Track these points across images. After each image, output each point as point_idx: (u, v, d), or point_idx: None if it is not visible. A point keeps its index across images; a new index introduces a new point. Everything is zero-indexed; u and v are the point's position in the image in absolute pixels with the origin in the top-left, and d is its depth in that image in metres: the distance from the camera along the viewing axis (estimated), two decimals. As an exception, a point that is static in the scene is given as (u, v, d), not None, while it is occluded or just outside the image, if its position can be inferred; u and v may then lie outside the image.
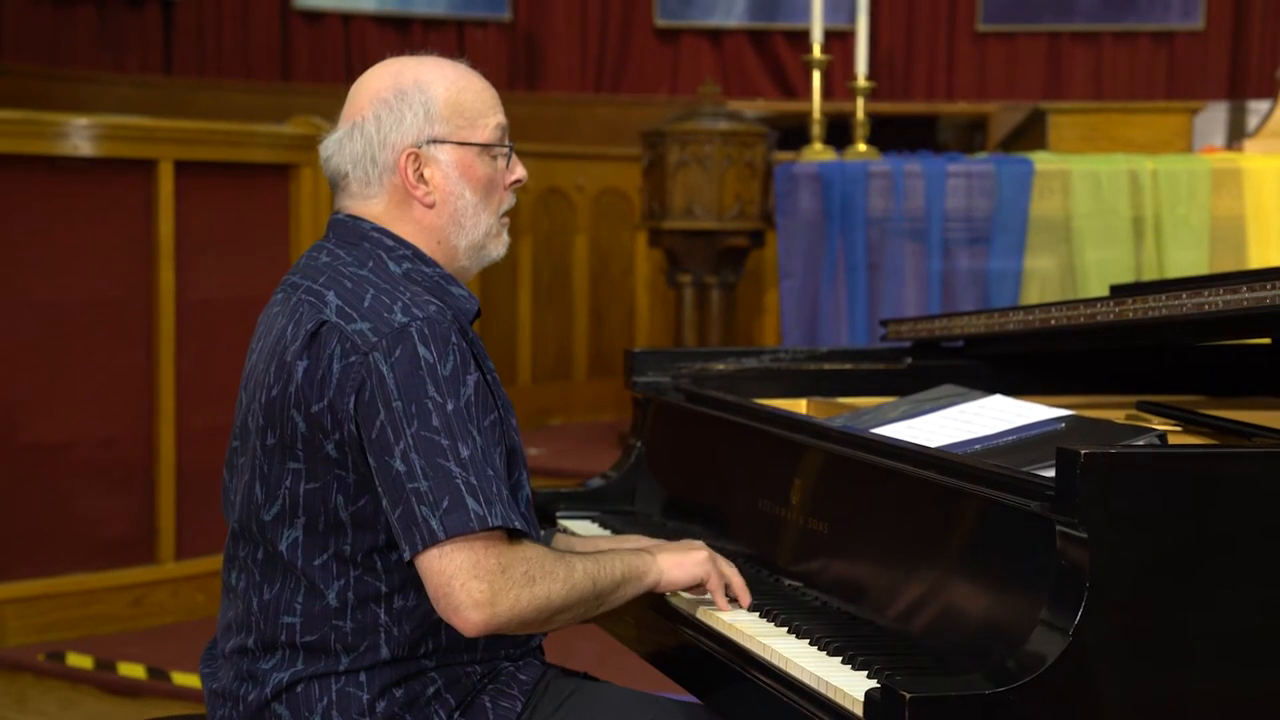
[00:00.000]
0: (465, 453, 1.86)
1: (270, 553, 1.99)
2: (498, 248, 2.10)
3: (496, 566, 1.85)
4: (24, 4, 7.56)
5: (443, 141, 2.03)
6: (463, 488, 1.84)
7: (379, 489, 1.88)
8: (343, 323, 1.92)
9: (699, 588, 2.11)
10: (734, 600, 2.11)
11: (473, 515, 1.84)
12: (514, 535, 1.89)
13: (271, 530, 1.97)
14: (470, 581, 1.84)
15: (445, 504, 1.84)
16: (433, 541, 1.84)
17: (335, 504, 1.93)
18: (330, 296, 1.96)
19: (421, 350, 1.89)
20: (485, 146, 2.06)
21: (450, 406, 1.87)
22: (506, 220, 2.11)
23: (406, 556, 1.86)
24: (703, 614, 2.10)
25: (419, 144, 2.02)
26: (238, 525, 2.04)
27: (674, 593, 2.12)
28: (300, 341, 1.94)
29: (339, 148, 2.06)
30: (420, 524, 1.84)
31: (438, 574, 1.84)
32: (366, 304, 1.94)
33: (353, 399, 1.89)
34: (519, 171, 2.11)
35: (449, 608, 1.85)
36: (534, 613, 1.88)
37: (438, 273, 2.04)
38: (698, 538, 2.33)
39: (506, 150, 2.09)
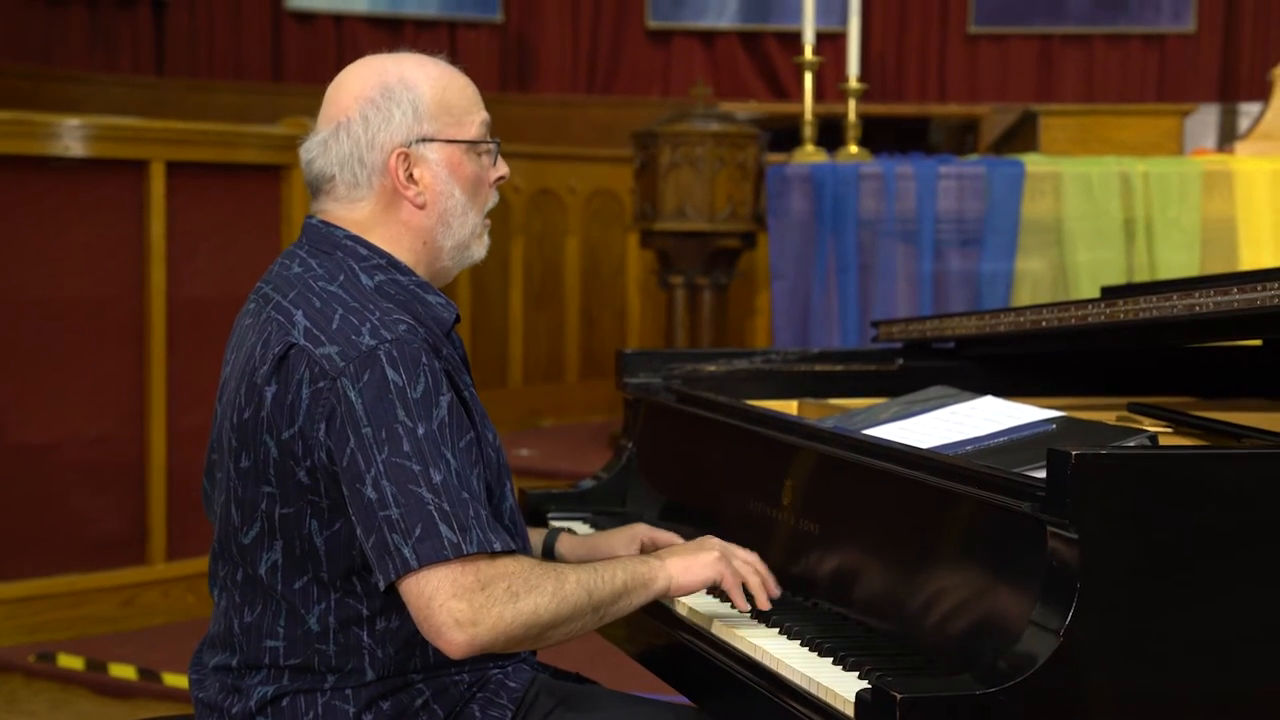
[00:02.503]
0: (438, 478, 1.81)
1: (249, 575, 1.96)
2: (480, 249, 2.07)
3: (475, 584, 1.79)
4: (15, 4, 7.55)
5: (432, 140, 2.00)
6: (435, 514, 1.80)
7: (353, 517, 1.84)
8: (310, 346, 1.88)
9: (716, 589, 2.04)
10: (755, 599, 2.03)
11: (446, 543, 1.79)
12: (496, 553, 1.83)
13: (251, 553, 1.95)
14: (449, 601, 1.78)
15: (418, 532, 1.79)
16: (405, 570, 1.79)
17: (309, 529, 1.90)
18: (299, 316, 1.92)
19: (390, 374, 1.84)
20: (473, 144, 2.03)
21: (421, 430, 1.83)
22: (488, 223, 2.08)
23: (381, 586, 1.82)
24: (693, 615, 2.10)
25: (408, 143, 1.99)
26: (218, 544, 2.01)
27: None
28: (269, 365, 1.90)
29: (323, 149, 2.00)
30: (393, 553, 1.80)
31: (416, 596, 1.80)
32: (335, 325, 1.89)
33: (323, 426, 1.85)
34: (502, 168, 2.08)
35: (431, 630, 1.80)
36: (522, 629, 1.82)
37: (413, 281, 2.00)
38: (688, 539, 2.33)
39: (492, 147, 2.06)
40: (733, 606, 2.04)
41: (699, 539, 2.08)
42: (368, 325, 1.88)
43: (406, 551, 1.79)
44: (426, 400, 1.85)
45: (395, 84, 2.00)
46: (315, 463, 1.87)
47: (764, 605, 2.02)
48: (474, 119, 2.04)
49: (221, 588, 2.01)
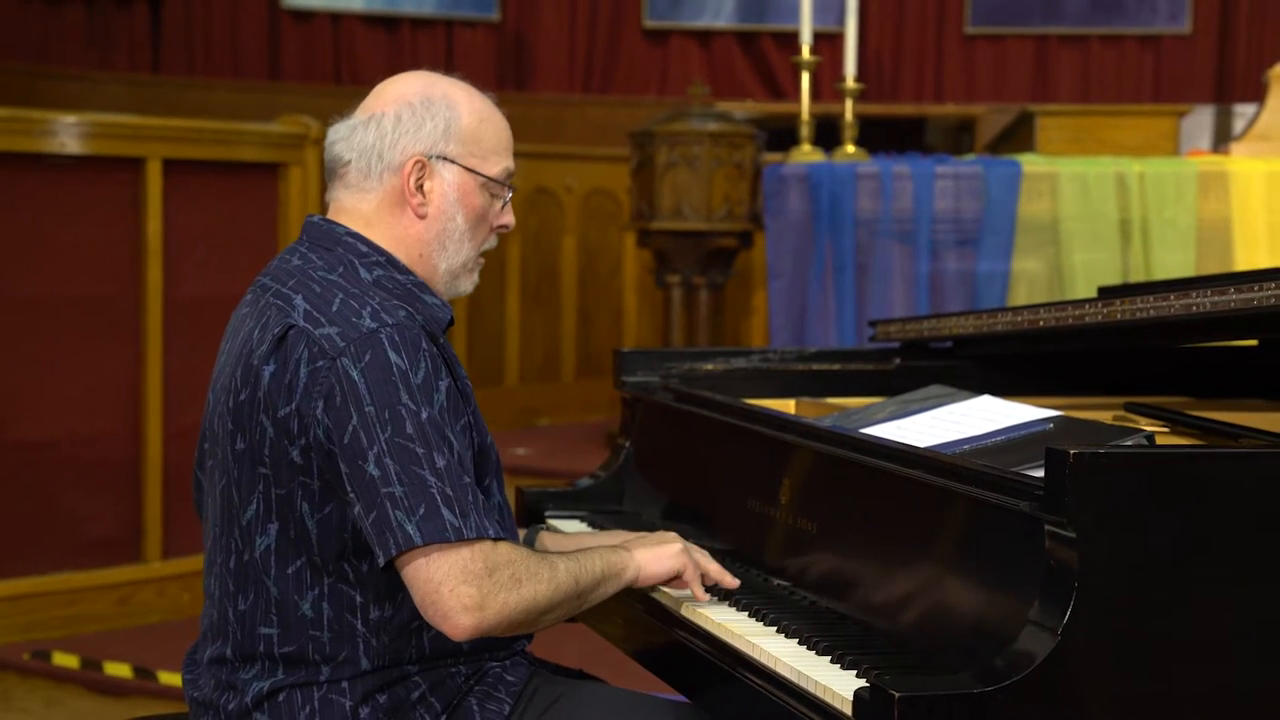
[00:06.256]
0: (441, 462, 1.85)
1: (244, 561, 1.97)
2: (468, 283, 2.10)
3: (483, 570, 1.84)
4: (12, 2, 7.55)
5: (452, 161, 2.04)
6: (438, 497, 1.83)
7: (351, 494, 1.86)
8: (310, 327, 1.91)
9: (678, 579, 2.10)
10: (715, 588, 2.11)
11: (448, 526, 1.82)
12: (495, 539, 1.88)
13: (248, 535, 1.96)
14: (459, 587, 1.82)
15: (421, 511, 1.83)
16: (408, 546, 1.82)
17: (301, 511, 1.92)
18: (298, 300, 1.95)
19: (392, 356, 1.87)
20: (489, 181, 2.06)
21: (424, 415, 1.86)
22: (482, 260, 2.11)
23: (381, 561, 1.84)
24: (691, 613, 2.10)
25: (429, 155, 2.02)
26: (217, 529, 2.02)
27: (656, 588, 2.12)
28: (267, 345, 1.93)
29: (349, 133, 2.05)
30: (395, 528, 1.82)
31: (425, 581, 1.83)
32: (335, 308, 1.92)
33: (321, 404, 1.88)
34: (508, 218, 2.12)
35: (438, 614, 1.84)
36: (522, 614, 1.87)
37: (411, 280, 2.03)
38: (687, 537, 2.33)
39: (506, 193, 2.10)
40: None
41: (660, 533, 2.16)
42: (368, 309, 1.92)
43: (410, 528, 1.82)
44: (427, 385, 1.88)
45: (438, 98, 2.04)
46: (310, 441, 1.89)
47: (731, 585, 2.11)
48: (500, 161, 2.08)
49: (217, 577, 2.02)
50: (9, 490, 4.49)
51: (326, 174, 2.09)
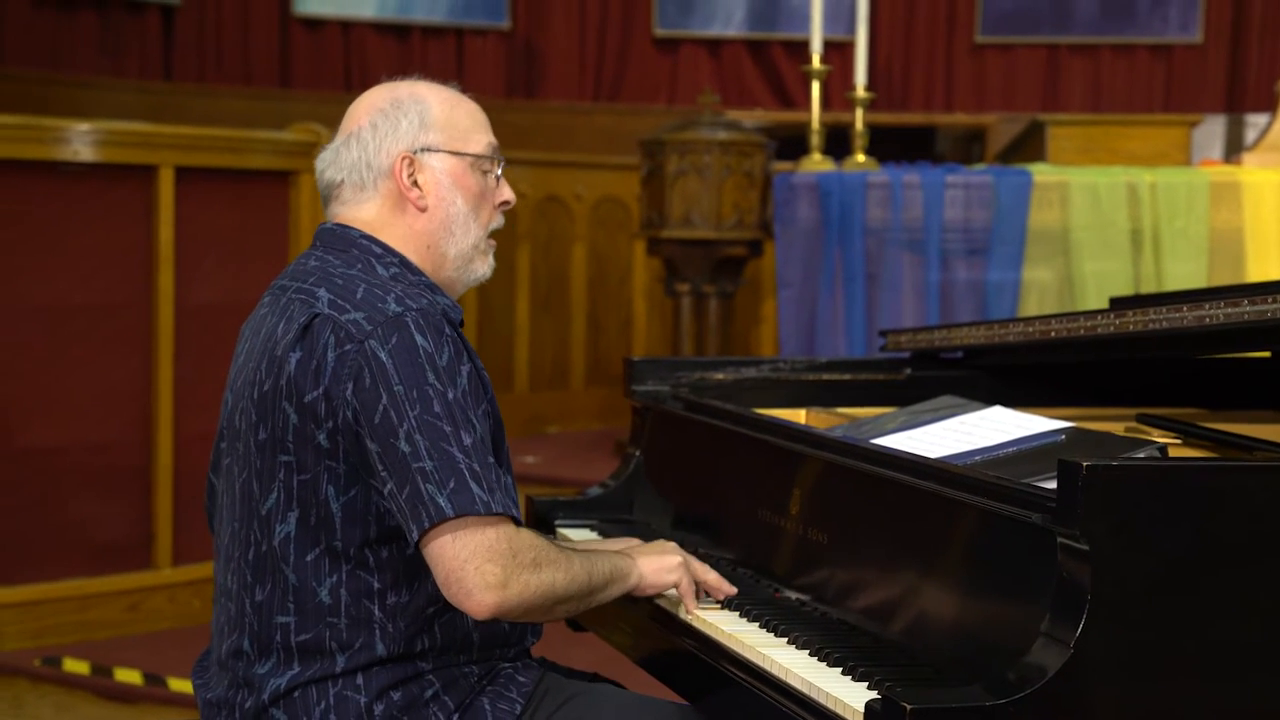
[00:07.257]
0: (468, 441, 1.90)
1: (262, 551, 2.00)
2: (483, 266, 2.14)
3: (508, 550, 1.88)
4: (25, 8, 7.57)
5: (436, 150, 2.09)
6: (466, 473, 1.88)
7: (383, 472, 1.90)
8: (335, 314, 1.96)
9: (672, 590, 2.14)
10: (710, 597, 2.14)
11: (477, 500, 1.87)
12: (516, 523, 1.93)
13: (267, 524, 1.99)
14: (485, 565, 1.87)
15: (452, 484, 1.87)
16: (440, 518, 1.86)
17: (326, 495, 1.95)
18: (321, 292, 2.00)
19: (419, 339, 1.93)
20: (477, 158, 2.11)
21: (450, 395, 1.91)
22: (493, 243, 2.16)
23: (414, 536, 1.88)
24: (701, 623, 2.10)
25: (414, 150, 2.08)
26: (236, 524, 2.04)
27: (654, 596, 2.15)
28: (293, 335, 1.97)
29: (335, 157, 2.11)
30: (427, 502, 1.87)
31: (451, 558, 1.87)
32: (359, 296, 1.98)
33: (350, 386, 1.92)
34: (507, 193, 2.16)
35: (461, 591, 1.87)
36: (539, 599, 1.92)
37: (423, 281, 2.08)
38: (697, 547, 2.34)
39: (498, 168, 2.14)
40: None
41: (659, 542, 2.21)
42: (392, 295, 1.97)
43: (441, 500, 1.87)
44: (451, 367, 1.93)
45: (406, 97, 2.11)
46: (338, 424, 1.93)
47: (726, 594, 2.14)
48: (480, 138, 2.13)
49: (234, 571, 2.04)
50: (20, 496, 4.50)
51: (322, 201, 2.14)
